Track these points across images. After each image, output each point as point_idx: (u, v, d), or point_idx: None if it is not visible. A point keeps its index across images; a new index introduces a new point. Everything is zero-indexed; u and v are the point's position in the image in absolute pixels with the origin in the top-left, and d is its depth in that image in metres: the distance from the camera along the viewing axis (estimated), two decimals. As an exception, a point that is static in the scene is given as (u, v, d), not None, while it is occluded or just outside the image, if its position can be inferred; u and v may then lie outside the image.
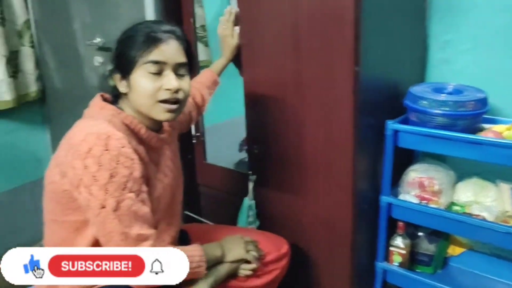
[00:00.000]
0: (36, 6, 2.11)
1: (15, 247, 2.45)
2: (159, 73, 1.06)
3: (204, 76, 1.53)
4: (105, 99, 1.14)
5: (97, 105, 1.12)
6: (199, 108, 1.51)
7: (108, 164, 0.98)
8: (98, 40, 1.84)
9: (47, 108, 2.28)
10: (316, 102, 1.35)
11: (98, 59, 1.87)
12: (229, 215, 1.69)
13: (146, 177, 1.09)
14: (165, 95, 1.07)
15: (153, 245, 1.04)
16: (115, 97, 1.14)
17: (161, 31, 1.07)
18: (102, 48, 1.85)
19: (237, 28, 1.51)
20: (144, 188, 1.06)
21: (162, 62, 1.06)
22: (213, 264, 1.19)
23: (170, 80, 1.06)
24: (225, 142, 1.98)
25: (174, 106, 1.09)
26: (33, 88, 2.18)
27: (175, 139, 1.33)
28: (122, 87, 1.10)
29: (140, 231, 1.02)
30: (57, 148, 1.08)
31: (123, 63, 1.07)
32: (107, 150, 0.98)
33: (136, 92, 1.07)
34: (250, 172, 1.57)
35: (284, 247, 1.37)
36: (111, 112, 1.09)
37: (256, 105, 1.50)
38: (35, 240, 2.34)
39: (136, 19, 1.14)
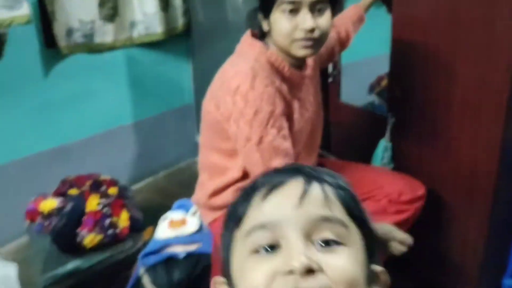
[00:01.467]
0: None
1: (159, 166, 2.69)
2: (295, 11, 1.08)
3: (351, 11, 1.50)
4: (253, 35, 1.20)
5: (247, 41, 1.19)
6: (343, 44, 1.49)
7: (253, 101, 1.06)
8: (244, -25, 1.88)
9: (191, 42, 2.44)
10: (472, 43, 1.26)
11: (243, -5, 1.93)
12: (359, 155, 1.70)
13: (288, 113, 1.15)
14: (301, 34, 1.09)
15: None
16: (262, 34, 1.19)
17: None
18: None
19: (390, -37, 1.44)
20: (285, 124, 1.12)
21: (297, 1, 1.07)
22: None
23: (305, 20, 1.07)
24: (355, 82, 1.95)
25: (310, 43, 1.10)
26: (180, 21, 2.33)
27: (317, 74, 1.35)
28: (264, 26, 1.15)
29: (280, 165, 1.09)
30: (213, 80, 1.19)
31: (264, 3, 1.12)
32: (253, 88, 1.06)
33: (275, 31, 1.12)
34: (389, 113, 1.54)
35: (421, 190, 1.36)
36: (258, 50, 1.15)
37: (404, 46, 1.44)
38: (177, 160, 2.60)
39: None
